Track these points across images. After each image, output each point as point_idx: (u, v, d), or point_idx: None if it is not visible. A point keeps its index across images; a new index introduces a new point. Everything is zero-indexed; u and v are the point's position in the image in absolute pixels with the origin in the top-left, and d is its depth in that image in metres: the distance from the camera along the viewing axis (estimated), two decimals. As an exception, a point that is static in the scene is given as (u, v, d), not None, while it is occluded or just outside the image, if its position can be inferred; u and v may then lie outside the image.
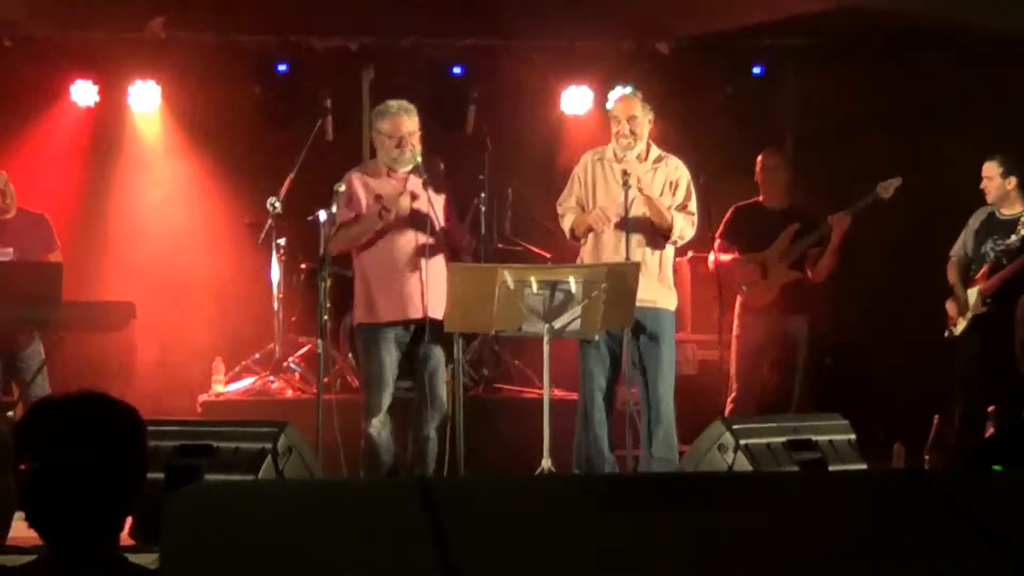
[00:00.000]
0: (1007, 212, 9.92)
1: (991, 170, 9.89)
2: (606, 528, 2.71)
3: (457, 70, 12.32)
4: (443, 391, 8.78)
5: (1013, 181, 9.86)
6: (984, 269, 9.83)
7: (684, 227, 8.73)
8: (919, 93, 11.27)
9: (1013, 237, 9.78)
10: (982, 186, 9.92)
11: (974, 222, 10.04)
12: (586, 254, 8.90)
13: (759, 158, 10.73)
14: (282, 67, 12.16)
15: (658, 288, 8.73)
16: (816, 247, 10.42)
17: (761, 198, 10.68)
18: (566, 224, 8.98)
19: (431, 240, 8.65)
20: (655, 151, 8.91)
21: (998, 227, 9.92)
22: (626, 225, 8.49)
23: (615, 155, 8.84)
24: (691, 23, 11.93)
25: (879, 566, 2.67)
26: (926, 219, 10.54)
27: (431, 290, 8.58)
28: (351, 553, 2.54)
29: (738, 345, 10.49)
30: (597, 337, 8.58)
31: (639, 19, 11.73)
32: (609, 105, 9.13)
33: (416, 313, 8.63)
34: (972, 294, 9.85)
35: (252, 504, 2.70)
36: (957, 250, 10.10)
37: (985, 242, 9.92)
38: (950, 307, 9.98)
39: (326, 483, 6.22)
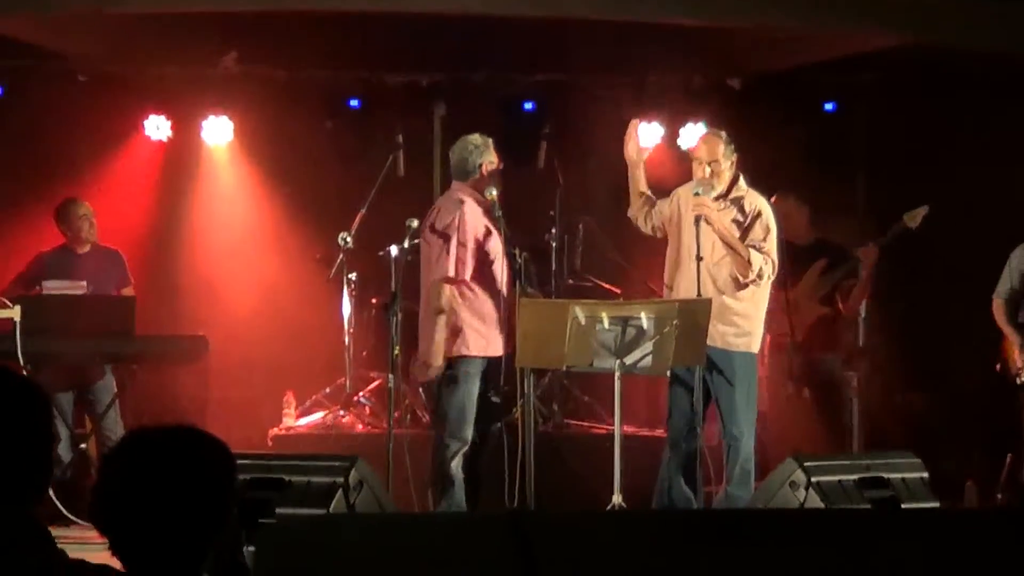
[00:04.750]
0: None
1: None
2: (682, 563, 2.71)
3: (528, 105, 12.37)
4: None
5: None
6: None
7: (760, 265, 8.44)
8: (989, 127, 11.19)
9: None
10: None
11: (1018, 260, 9.85)
12: (667, 275, 8.78)
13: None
14: (354, 102, 12.25)
15: (726, 329, 8.53)
16: (846, 280, 10.37)
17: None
18: (633, 212, 8.98)
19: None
20: (740, 188, 8.64)
21: None
22: (699, 262, 8.35)
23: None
24: (762, 59, 11.89)
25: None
26: (996, 251, 10.39)
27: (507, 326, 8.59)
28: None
29: (769, 385, 10.30)
30: (679, 372, 8.52)
31: (710, 54, 11.71)
32: (690, 143, 8.99)
33: (500, 349, 8.61)
34: None
35: (345, 537, 2.71)
36: (1004, 290, 9.85)
37: None
38: (1016, 351, 9.75)
39: (419, 517, 6.22)
